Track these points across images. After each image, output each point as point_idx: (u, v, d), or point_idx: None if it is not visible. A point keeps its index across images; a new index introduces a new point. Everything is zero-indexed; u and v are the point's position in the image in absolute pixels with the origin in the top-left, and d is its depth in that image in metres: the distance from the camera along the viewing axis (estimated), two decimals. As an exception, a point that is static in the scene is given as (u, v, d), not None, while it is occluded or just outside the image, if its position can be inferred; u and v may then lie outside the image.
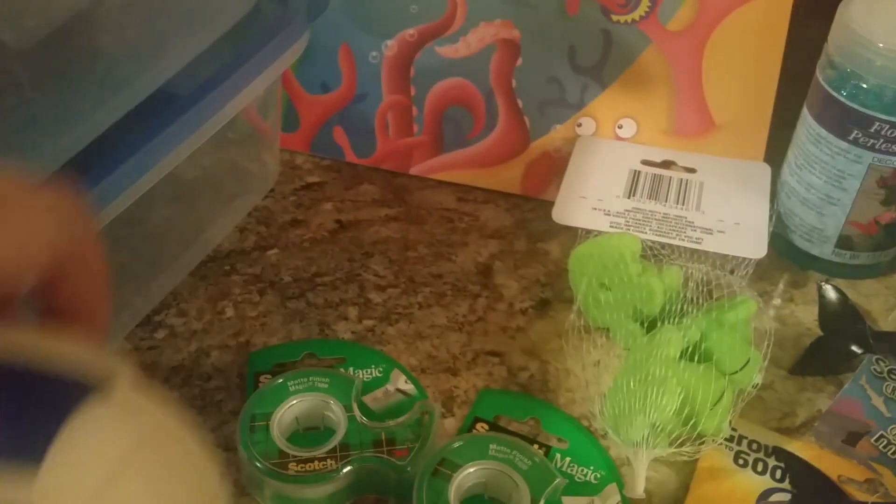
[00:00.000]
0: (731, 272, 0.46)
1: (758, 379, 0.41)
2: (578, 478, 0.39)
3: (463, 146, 0.56)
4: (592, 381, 0.43)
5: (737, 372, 0.40)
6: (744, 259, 0.46)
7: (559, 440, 0.41)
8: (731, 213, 0.49)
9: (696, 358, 0.39)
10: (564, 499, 0.37)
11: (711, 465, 0.39)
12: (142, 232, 0.47)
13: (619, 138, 0.55)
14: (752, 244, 0.47)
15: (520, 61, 0.54)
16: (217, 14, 0.45)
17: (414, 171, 0.57)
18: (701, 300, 0.42)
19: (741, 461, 0.40)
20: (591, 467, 0.39)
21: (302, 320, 0.47)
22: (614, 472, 0.39)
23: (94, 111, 0.37)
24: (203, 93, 0.41)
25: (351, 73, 0.56)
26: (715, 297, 0.43)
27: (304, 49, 0.47)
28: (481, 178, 0.56)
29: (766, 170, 0.52)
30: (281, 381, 0.41)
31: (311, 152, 0.59)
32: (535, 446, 0.40)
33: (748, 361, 0.40)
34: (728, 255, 0.47)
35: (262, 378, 0.43)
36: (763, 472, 0.39)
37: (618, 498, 0.38)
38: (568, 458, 0.40)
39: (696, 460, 0.39)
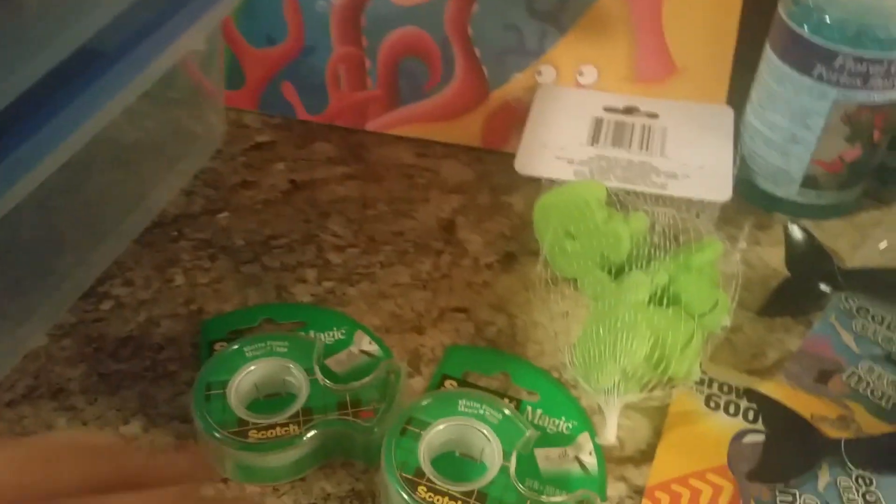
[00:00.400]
0: (697, 216, 0.45)
1: (726, 321, 0.40)
2: (550, 429, 0.38)
3: (420, 99, 0.54)
4: (561, 332, 0.41)
5: (705, 314, 0.39)
6: (709, 202, 0.46)
7: (529, 393, 0.40)
8: (695, 158, 0.48)
9: (664, 302, 0.38)
10: (537, 451, 0.36)
11: (683, 409, 0.39)
12: (81, 199, 0.45)
13: (579, 86, 0.53)
14: (717, 187, 0.47)
15: (476, 7, 0.52)
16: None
17: (370, 126, 0.55)
18: (668, 244, 0.41)
19: (713, 404, 0.39)
20: (563, 418, 0.38)
21: (258, 285, 0.45)
22: (586, 422, 0.38)
23: (11, 71, 0.34)
24: (130, 47, 0.39)
25: (297, 24, 0.54)
26: (682, 241, 0.42)
27: (241, -1, 0.45)
28: (440, 132, 0.54)
29: (729, 112, 0.51)
30: (237, 346, 0.39)
31: (259, 110, 0.56)
32: (506, 400, 0.39)
33: (716, 304, 0.39)
34: (693, 199, 0.46)
35: (217, 346, 0.41)
36: (735, 414, 0.38)
37: (590, 447, 0.37)
38: (539, 411, 0.39)
39: (668, 405, 0.39)
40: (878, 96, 0.44)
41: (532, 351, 0.42)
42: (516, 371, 0.41)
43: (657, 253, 0.41)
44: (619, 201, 0.44)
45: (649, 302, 0.38)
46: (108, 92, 0.37)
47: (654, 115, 0.51)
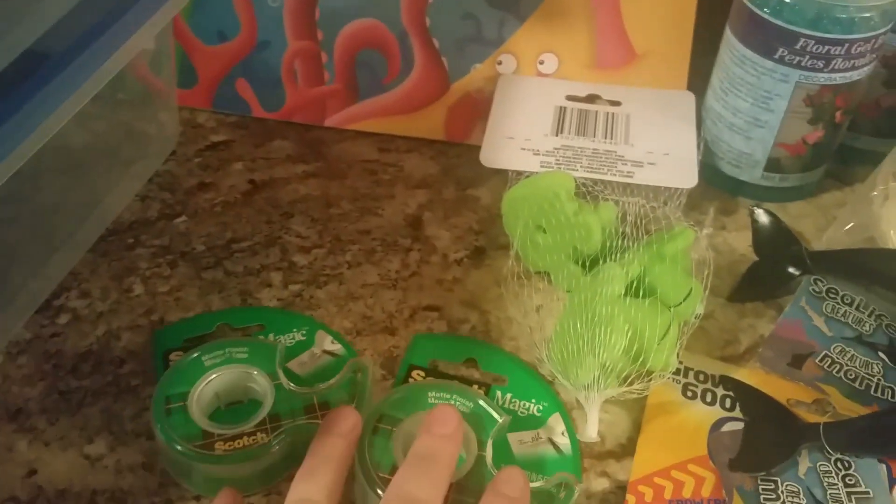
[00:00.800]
0: (665, 203, 0.45)
1: (700, 309, 0.40)
2: (521, 412, 0.38)
3: (380, 92, 0.53)
4: (536, 328, 0.41)
5: (680, 303, 0.39)
6: (676, 189, 0.45)
7: (497, 378, 0.39)
8: (659, 145, 0.48)
9: (639, 293, 0.38)
10: (510, 435, 0.36)
11: (661, 400, 0.39)
12: (31, 208, 0.43)
13: (541, 74, 0.52)
14: (683, 174, 0.46)
15: (432, -3, 0.51)
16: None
17: (329, 122, 0.54)
18: (639, 234, 0.41)
19: (690, 393, 0.39)
20: (533, 400, 0.38)
21: (221, 291, 0.44)
22: (556, 402, 0.38)
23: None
24: (79, 49, 0.37)
25: (250, 18, 0.52)
26: (652, 230, 0.42)
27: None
28: (402, 126, 0.53)
29: (691, 98, 0.51)
30: (195, 356, 0.38)
31: (213, 109, 0.54)
32: (475, 387, 0.38)
33: (690, 292, 0.39)
34: (661, 187, 0.45)
35: (172, 356, 0.40)
36: (713, 403, 0.38)
37: (563, 427, 0.37)
38: (509, 395, 0.38)
39: (646, 397, 0.39)
40: (840, 77, 0.44)
41: (507, 347, 0.41)
42: (483, 356, 0.40)
43: (629, 243, 0.40)
44: (587, 192, 0.44)
45: (625, 294, 0.38)
46: (57, 97, 0.36)
47: (616, 103, 0.51)
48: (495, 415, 0.36)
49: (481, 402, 0.36)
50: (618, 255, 0.40)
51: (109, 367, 0.40)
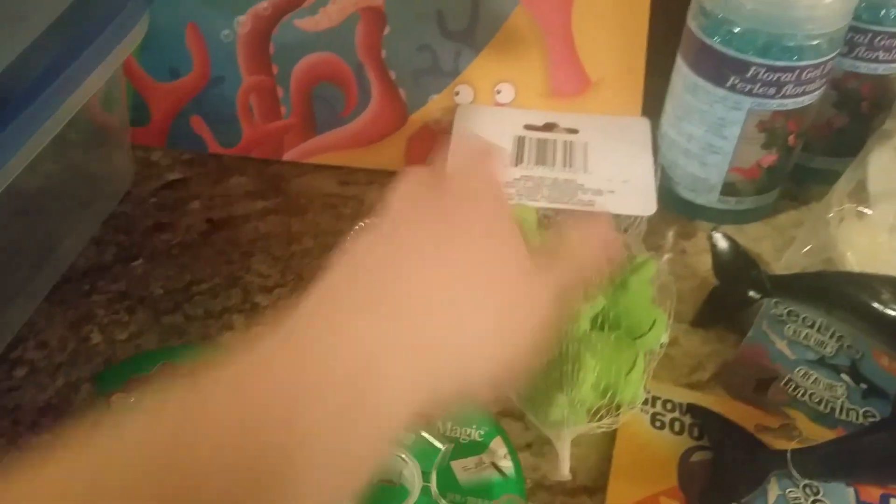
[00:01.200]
0: (626, 231, 0.45)
1: (665, 338, 0.40)
2: (463, 439, 0.38)
3: (338, 125, 0.53)
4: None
5: (645, 334, 0.39)
6: (635, 217, 0.46)
7: None
8: (618, 172, 0.48)
9: (604, 327, 0.38)
10: (453, 463, 0.36)
11: (630, 431, 0.39)
12: (-19, 259, 0.41)
13: (498, 104, 0.53)
14: (642, 202, 0.47)
15: (387, 30, 0.51)
16: (41, 2, 0.39)
17: (287, 156, 0.53)
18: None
19: (658, 423, 0.39)
20: (474, 426, 0.38)
21: (181, 336, 0.43)
22: (496, 426, 0.38)
23: None
24: (34, 93, 0.36)
25: (202, 54, 0.51)
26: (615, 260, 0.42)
27: (144, 32, 0.43)
28: (362, 158, 0.53)
29: (646, 124, 0.52)
30: (134, 399, 0.37)
31: (168, 146, 0.53)
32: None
33: (654, 322, 0.39)
34: (621, 215, 0.46)
35: (113, 397, 0.39)
36: (681, 432, 0.39)
37: (505, 450, 0.37)
38: (450, 422, 0.38)
39: (615, 430, 0.39)
40: (792, 102, 0.45)
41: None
42: None
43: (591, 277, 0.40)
44: (549, 224, 0.44)
45: (591, 328, 0.38)
46: (14, 142, 0.35)
47: (573, 131, 0.51)
48: (437, 444, 0.36)
49: (422, 432, 0.36)
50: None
51: (70, 422, 0.39)
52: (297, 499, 0.22)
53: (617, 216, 0.46)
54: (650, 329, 0.39)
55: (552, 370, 0.36)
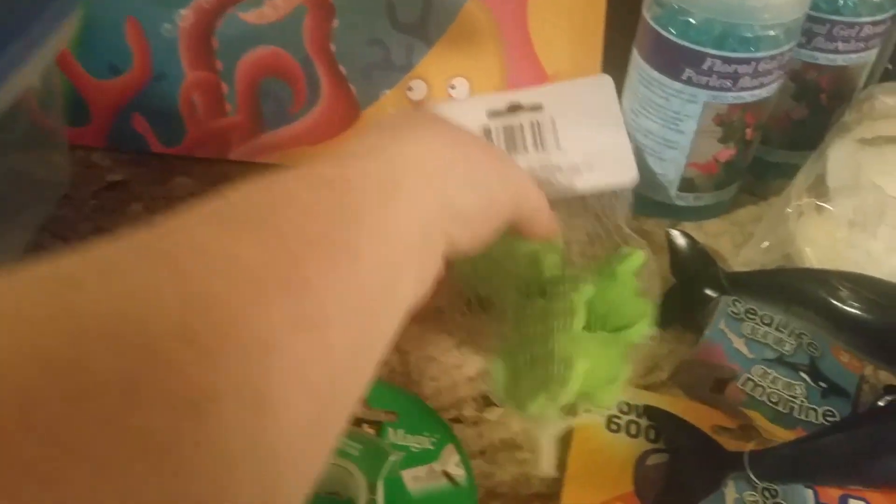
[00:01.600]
0: (610, 211, 0.44)
1: (651, 331, 0.38)
2: (414, 447, 0.36)
3: (286, 123, 0.51)
4: (457, 365, 0.39)
5: (632, 327, 0.37)
6: (618, 193, 0.44)
7: (387, 413, 0.38)
8: (591, 143, 0.45)
9: (591, 320, 0.36)
10: (404, 472, 0.35)
11: (585, 435, 0.37)
12: None
13: (452, 99, 0.51)
14: (622, 170, 0.44)
15: (336, 22, 0.49)
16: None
17: (234, 155, 0.51)
18: (586, 258, 0.39)
19: (613, 426, 0.38)
20: (426, 433, 0.37)
21: (119, 343, 0.41)
22: (449, 433, 0.37)
23: None
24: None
25: (143, 50, 0.49)
26: (600, 251, 0.41)
27: (77, 26, 0.40)
28: (312, 157, 0.51)
29: (609, 82, 0.48)
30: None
31: (108, 146, 0.51)
32: (365, 426, 0.37)
33: (642, 314, 0.38)
34: (604, 191, 0.44)
35: None
36: (637, 435, 0.37)
37: (457, 458, 0.36)
38: (401, 430, 0.37)
39: (570, 434, 0.37)
40: (749, 95, 0.44)
41: (428, 388, 0.40)
42: (371, 393, 0.38)
43: (577, 270, 0.39)
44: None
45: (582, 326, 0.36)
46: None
47: (538, 107, 0.49)
48: (384, 453, 0.35)
49: (369, 442, 0.35)
50: (567, 283, 0.38)
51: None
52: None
53: (600, 196, 0.44)
54: (638, 321, 0.37)
55: (539, 369, 0.34)
